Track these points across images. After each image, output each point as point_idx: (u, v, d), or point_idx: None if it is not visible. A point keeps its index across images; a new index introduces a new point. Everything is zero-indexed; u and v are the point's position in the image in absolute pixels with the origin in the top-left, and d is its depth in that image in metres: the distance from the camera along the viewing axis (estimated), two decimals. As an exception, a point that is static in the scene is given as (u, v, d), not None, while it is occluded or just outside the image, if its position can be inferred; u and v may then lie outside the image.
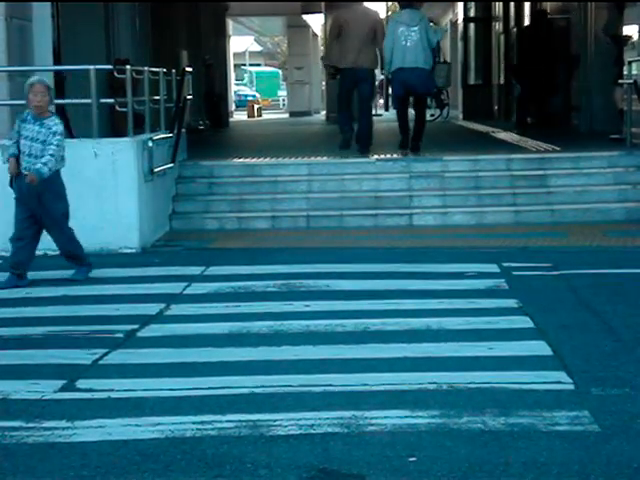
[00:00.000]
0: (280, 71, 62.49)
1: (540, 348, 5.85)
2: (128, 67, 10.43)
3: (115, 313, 7.01)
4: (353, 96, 12.85)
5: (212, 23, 27.03)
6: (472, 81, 27.63)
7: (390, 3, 35.82)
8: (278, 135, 20.42)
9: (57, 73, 11.50)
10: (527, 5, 20.49)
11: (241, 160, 12.50)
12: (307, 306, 7.10)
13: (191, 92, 13.00)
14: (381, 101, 34.16)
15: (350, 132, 12.84)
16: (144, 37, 17.94)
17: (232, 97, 38.28)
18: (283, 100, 51.26)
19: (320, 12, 30.03)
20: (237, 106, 43.26)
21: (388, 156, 12.41)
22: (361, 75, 12.43)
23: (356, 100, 12.98)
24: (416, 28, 11.74)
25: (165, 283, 8.07)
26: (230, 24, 36.15)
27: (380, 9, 41.06)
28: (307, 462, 4.12)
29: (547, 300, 7.13)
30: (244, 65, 60.36)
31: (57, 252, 9.53)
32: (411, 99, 13.01)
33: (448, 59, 34.34)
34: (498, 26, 24.84)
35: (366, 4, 12.91)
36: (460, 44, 29.44)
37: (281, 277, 8.15)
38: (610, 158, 11.66)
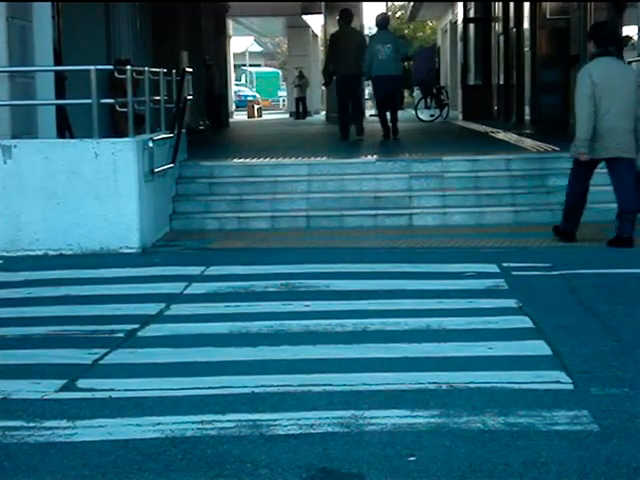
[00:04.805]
0: (280, 71, 62.54)
1: (539, 348, 5.86)
2: (128, 67, 10.44)
3: (115, 313, 7.02)
4: (349, 96, 16.04)
5: (212, 23, 27.06)
6: (472, 81, 27.68)
7: (390, 3, 35.88)
8: (278, 135, 20.43)
9: (58, 73, 11.52)
10: (527, 6, 20.49)
11: (241, 160, 12.51)
12: (307, 306, 7.11)
13: (191, 92, 13.02)
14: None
15: (348, 125, 16.00)
16: (145, 37, 17.98)
17: (232, 97, 38.30)
18: (283, 100, 51.32)
19: (320, 13, 30.07)
20: (237, 106, 43.30)
21: (388, 156, 12.45)
22: (353, 80, 15.84)
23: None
24: (389, 45, 15.34)
25: (165, 283, 8.08)
26: (230, 24, 36.19)
27: (381, 8, 41.01)
28: (307, 462, 4.13)
29: (546, 300, 7.14)
30: (244, 65, 60.40)
31: (57, 252, 9.61)
32: None
33: (448, 59, 34.35)
34: (498, 27, 24.86)
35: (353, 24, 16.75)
36: (460, 45, 29.48)
37: (281, 277, 8.16)
38: (609, 158, 11.65)
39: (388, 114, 16.08)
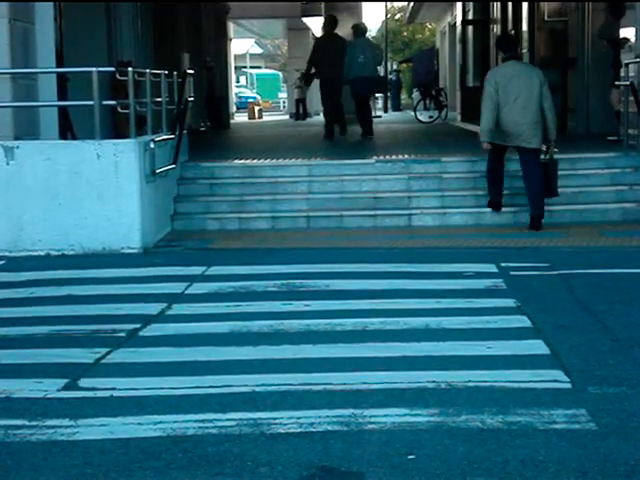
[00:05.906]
0: (280, 73, 62.55)
1: (538, 347, 5.89)
2: (130, 69, 10.46)
3: (117, 313, 7.04)
4: (331, 97, 17.29)
5: (213, 25, 27.05)
6: (470, 83, 27.67)
7: (390, 4, 35.89)
8: (278, 136, 20.45)
9: (60, 75, 11.54)
10: (525, 7, 20.49)
11: (242, 161, 12.53)
12: (307, 306, 7.13)
13: (192, 94, 13.04)
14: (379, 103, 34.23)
15: (333, 126, 17.35)
16: (146, 39, 17.99)
17: (233, 99, 38.29)
18: (283, 102, 51.32)
19: (320, 15, 30.10)
20: (238, 108, 43.29)
21: (387, 157, 12.47)
22: (334, 83, 16.87)
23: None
24: (367, 51, 16.60)
25: (167, 283, 8.11)
26: (231, 26, 36.18)
27: (380, 10, 40.92)
28: (307, 460, 4.16)
29: (545, 300, 7.17)
30: (245, 67, 60.40)
31: (59, 252, 9.63)
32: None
33: (446, 61, 34.41)
34: (496, 28, 24.85)
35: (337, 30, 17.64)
36: (458, 46, 29.48)
37: (281, 277, 8.18)
38: (607, 159, 11.69)
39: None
